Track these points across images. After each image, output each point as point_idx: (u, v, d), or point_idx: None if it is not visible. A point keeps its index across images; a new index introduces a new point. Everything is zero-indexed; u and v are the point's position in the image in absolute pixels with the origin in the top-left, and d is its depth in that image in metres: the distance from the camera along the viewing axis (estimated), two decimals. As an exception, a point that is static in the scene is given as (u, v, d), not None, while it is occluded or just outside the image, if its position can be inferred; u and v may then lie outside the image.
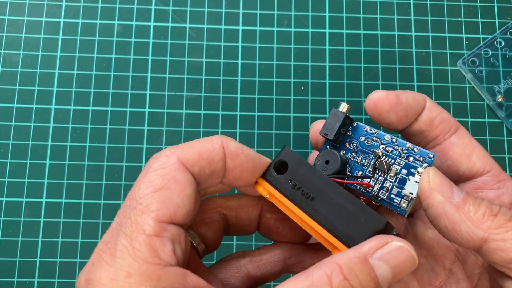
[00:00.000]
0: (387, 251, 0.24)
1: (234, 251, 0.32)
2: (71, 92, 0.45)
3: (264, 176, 0.28)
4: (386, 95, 0.29)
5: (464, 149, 0.30)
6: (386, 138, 0.30)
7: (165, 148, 0.26)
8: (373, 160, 0.30)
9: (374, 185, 0.30)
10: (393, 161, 0.30)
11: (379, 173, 0.30)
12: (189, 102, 0.45)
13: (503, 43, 0.47)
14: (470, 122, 0.46)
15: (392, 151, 0.30)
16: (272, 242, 0.32)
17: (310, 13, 0.48)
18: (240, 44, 0.47)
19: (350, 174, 0.30)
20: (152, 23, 0.47)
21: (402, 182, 0.29)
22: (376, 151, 0.30)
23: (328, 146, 0.31)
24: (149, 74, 0.46)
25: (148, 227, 0.23)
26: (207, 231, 0.29)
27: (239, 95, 0.46)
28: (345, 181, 0.30)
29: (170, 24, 0.47)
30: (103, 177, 0.43)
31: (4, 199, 0.43)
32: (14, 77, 0.45)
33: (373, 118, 0.30)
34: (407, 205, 0.29)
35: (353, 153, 0.30)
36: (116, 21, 0.47)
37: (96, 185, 0.43)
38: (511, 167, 0.46)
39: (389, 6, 0.48)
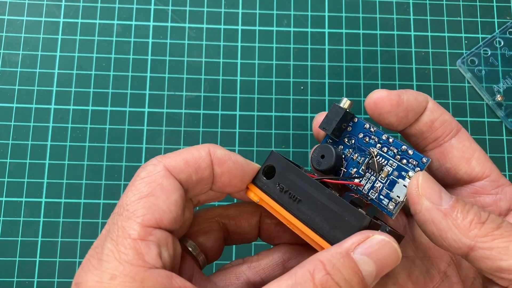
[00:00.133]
0: (369, 245, 0.24)
1: (234, 259, 0.32)
2: (71, 92, 0.45)
3: (254, 181, 0.29)
4: (387, 95, 0.29)
5: (464, 153, 0.29)
6: (383, 137, 0.30)
7: (154, 157, 0.27)
8: (367, 158, 0.30)
9: (365, 184, 0.29)
10: (386, 162, 0.29)
11: (371, 173, 0.30)
12: (189, 102, 0.45)
13: (502, 43, 0.47)
14: (470, 121, 0.46)
15: (387, 151, 0.29)
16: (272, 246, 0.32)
17: (309, 13, 0.48)
18: (239, 44, 0.47)
19: (345, 170, 0.30)
20: (151, 23, 0.47)
21: (392, 184, 0.29)
22: (371, 150, 0.30)
23: (328, 140, 0.31)
24: (148, 74, 0.46)
25: (133, 232, 0.23)
26: (206, 241, 0.30)
27: (238, 95, 0.46)
28: (334, 181, 0.29)
29: (169, 24, 0.47)
30: (102, 177, 0.43)
31: (4, 199, 0.43)
32: (14, 77, 0.45)
33: (373, 118, 0.30)
34: (394, 208, 0.28)
35: (350, 149, 0.30)
36: (116, 21, 0.47)
37: (96, 185, 0.43)
38: (510, 166, 0.46)
39: (389, 6, 0.48)
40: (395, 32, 0.48)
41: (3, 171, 0.43)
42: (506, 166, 0.45)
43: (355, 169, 0.30)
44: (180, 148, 0.44)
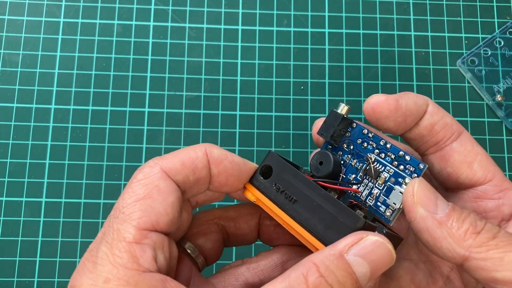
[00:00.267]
0: (363, 246, 0.24)
1: (234, 260, 0.32)
2: (71, 92, 0.45)
3: (251, 181, 0.29)
4: (385, 100, 0.28)
5: (466, 157, 0.29)
6: (381, 143, 0.29)
7: (151, 159, 0.27)
8: (365, 164, 0.30)
9: (363, 191, 0.29)
10: (383, 168, 0.29)
11: (369, 179, 0.29)
12: (189, 102, 0.45)
13: (502, 43, 0.47)
14: (470, 121, 0.46)
15: (385, 157, 0.29)
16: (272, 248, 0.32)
17: (309, 13, 0.48)
18: (239, 44, 0.47)
19: (344, 177, 0.30)
20: (151, 23, 0.47)
21: (389, 191, 0.28)
22: (369, 156, 0.29)
23: (328, 146, 0.31)
24: (148, 74, 0.46)
25: (128, 235, 0.23)
26: (205, 242, 0.30)
27: (238, 95, 0.46)
28: (332, 185, 0.29)
29: (169, 24, 0.47)
30: (102, 177, 0.43)
31: (4, 198, 0.43)
32: (14, 77, 0.45)
33: (371, 123, 0.29)
34: (391, 215, 0.28)
35: (349, 155, 0.30)
36: (116, 20, 0.47)
37: (96, 184, 0.43)
38: (510, 166, 0.46)
39: (389, 6, 0.48)
40: (395, 32, 0.48)
41: (4, 171, 0.43)
42: (506, 166, 0.45)
43: (353, 175, 0.30)
44: (180, 148, 0.44)
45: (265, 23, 0.47)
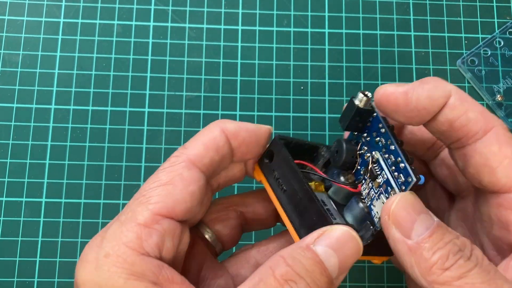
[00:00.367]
0: (328, 236, 0.24)
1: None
2: (71, 92, 0.45)
3: (259, 162, 0.29)
4: (392, 92, 0.26)
5: (488, 160, 0.25)
6: (388, 142, 0.27)
7: (178, 149, 0.28)
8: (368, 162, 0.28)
9: (365, 189, 0.28)
10: (380, 171, 0.27)
11: (370, 179, 0.28)
12: (189, 102, 0.45)
13: (502, 43, 0.48)
14: (470, 121, 0.46)
15: (387, 158, 0.27)
16: None
17: (309, 13, 0.48)
18: (239, 44, 0.47)
19: (358, 168, 0.29)
20: (151, 23, 0.47)
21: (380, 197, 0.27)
22: (373, 154, 0.28)
23: (354, 134, 0.30)
24: (148, 74, 0.46)
25: (141, 217, 0.24)
26: (222, 228, 0.31)
27: (238, 95, 0.46)
28: (330, 179, 0.29)
29: (169, 24, 0.47)
30: (102, 177, 0.43)
31: (4, 199, 0.43)
32: (14, 77, 0.45)
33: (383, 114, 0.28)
34: (377, 222, 0.26)
35: (365, 147, 0.29)
36: (116, 21, 0.47)
37: (96, 185, 0.43)
38: (511, 166, 0.46)
39: (389, 6, 0.48)
40: (395, 32, 0.48)
41: (3, 171, 0.43)
42: (506, 166, 0.45)
43: (357, 171, 0.29)
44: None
45: (265, 23, 0.47)
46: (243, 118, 0.45)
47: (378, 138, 0.28)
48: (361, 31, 0.48)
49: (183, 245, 0.26)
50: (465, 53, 0.47)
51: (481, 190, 0.28)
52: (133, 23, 0.47)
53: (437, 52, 0.47)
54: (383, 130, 0.27)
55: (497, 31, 0.48)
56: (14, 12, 0.46)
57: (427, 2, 0.49)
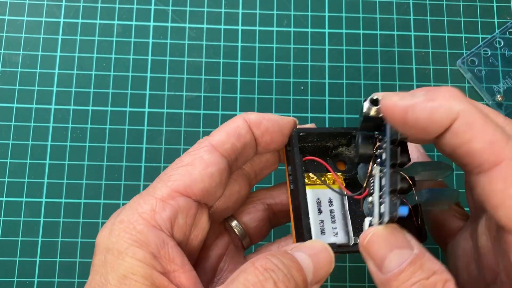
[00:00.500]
0: (304, 245, 0.26)
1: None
2: (71, 92, 0.45)
3: (285, 151, 0.30)
4: (392, 106, 0.24)
5: (490, 197, 0.23)
6: (385, 160, 0.26)
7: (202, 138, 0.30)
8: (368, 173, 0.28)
9: (365, 198, 0.28)
10: (373, 189, 0.27)
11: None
12: (189, 102, 0.45)
13: (502, 43, 0.48)
14: (470, 121, 0.46)
15: (382, 177, 0.26)
16: None
17: (309, 13, 0.48)
18: (239, 44, 0.47)
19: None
20: (151, 23, 0.47)
21: (371, 214, 0.27)
22: (374, 168, 0.27)
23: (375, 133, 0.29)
24: (148, 74, 0.46)
25: (159, 192, 0.26)
26: (249, 221, 0.32)
27: (238, 95, 0.46)
28: (328, 185, 0.29)
29: (169, 24, 0.47)
30: (102, 177, 0.43)
31: (4, 199, 0.43)
32: (14, 77, 0.45)
33: None
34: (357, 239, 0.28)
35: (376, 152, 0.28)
36: (116, 21, 0.47)
37: (96, 185, 0.43)
38: (511, 166, 0.46)
39: (389, 6, 0.48)
40: (395, 32, 0.48)
41: (3, 171, 0.43)
42: (506, 166, 0.45)
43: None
44: (180, 148, 0.44)
45: (265, 23, 0.47)
46: (243, 118, 0.45)
47: (381, 151, 0.27)
48: (361, 31, 0.48)
49: (200, 229, 0.28)
50: (465, 53, 0.47)
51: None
52: (133, 23, 0.47)
53: (437, 52, 0.47)
54: (385, 146, 0.27)
55: (497, 31, 0.48)
56: (14, 12, 0.46)
57: (427, 2, 0.49)
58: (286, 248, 0.26)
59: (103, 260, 0.25)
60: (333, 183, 0.30)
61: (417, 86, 0.47)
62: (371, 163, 0.28)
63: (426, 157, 0.34)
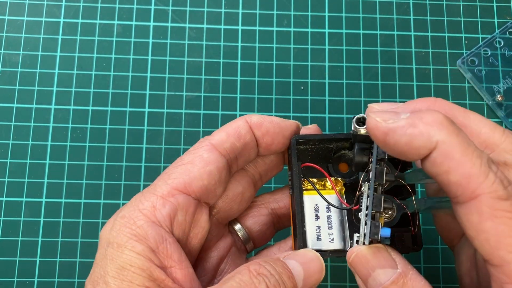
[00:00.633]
0: (294, 253, 0.28)
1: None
2: (71, 92, 0.45)
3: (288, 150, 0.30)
4: (373, 127, 0.24)
5: (466, 228, 0.22)
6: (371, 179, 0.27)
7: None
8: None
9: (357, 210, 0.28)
10: (361, 205, 0.27)
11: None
12: (189, 102, 0.45)
13: (502, 43, 0.47)
14: (470, 121, 0.46)
15: (367, 198, 0.27)
16: None
17: (309, 13, 0.48)
18: (239, 44, 0.47)
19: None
20: (151, 23, 0.47)
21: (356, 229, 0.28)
22: (363, 185, 0.27)
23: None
24: (148, 74, 0.46)
25: (160, 190, 0.27)
26: (253, 225, 0.33)
27: (238, 95, 0.46)
28: (323, 197, 0.30)
29: (169, 24, 0.47)
30: (103, 177, 0.43)
31: (4, 199, 0.43)
32: (14, 77, 0.45)
33: None
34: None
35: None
36: (116, 21, 0.47)
37: (96, 185, 0.43)
38: (511, 166, 0.46)
39: (389, 6, 0.48)
40: (395, 32, 0.48)
41: (4, 171, 0.43)
42: (506, 166, 0.45)
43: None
44: (180, 148, 0.44)
45: (265, 23, 0.47)
46: (243, 118, 0.45)
47: (370, 168, 0.27)
48: (361, 31, 0.48)
49: (200, 228, 0.28)
50: (465, 53, 0.47)
51: None
52: (133, 23, 0.47)
53: (437, 52, 0.47)
54: (370, 166, 0.27)
55: (497, 31, 0.48)
56: (14, 12, 0.46)
57: (427, 2, 0.49)
58: (279, 256, 0.27)
59: (104, 253, 0.26)
60: (336, 185, 0.31)
61: (417, 86, 0.47)
62: (360, 180, 0.28)
63: None
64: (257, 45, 0.47)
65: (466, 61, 0.47)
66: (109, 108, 0.45)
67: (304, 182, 0.30)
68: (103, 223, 0.42)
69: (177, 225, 0.27)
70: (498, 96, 0.46)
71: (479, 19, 0.48)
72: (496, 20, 0.48)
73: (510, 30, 0.48)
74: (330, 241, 0.29)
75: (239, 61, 0.46)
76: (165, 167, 0.29)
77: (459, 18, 0.48)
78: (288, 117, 0.45)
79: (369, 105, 0.27)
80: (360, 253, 0.26)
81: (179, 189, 0.27)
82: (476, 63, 0.47)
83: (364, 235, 0.26)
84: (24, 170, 0.43)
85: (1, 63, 0.45)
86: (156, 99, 0.45)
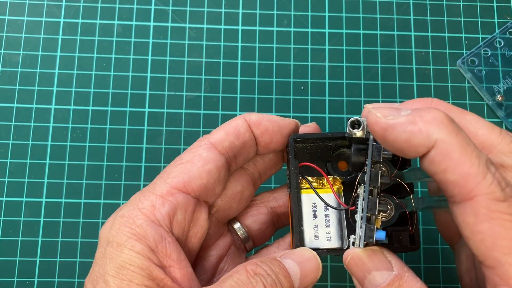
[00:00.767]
0: (292, 252, 0.28)
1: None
2: (71, 92, 0.45)
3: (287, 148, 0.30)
4: (373, 123, 0.24)
5: (462, 228, 0.22)
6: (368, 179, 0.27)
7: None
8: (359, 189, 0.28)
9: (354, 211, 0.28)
10: (357, 206, 0.27)
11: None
12: (189, 102, 0.45)
13: (502, 43, 0.47)
14: (470, 121, 0.46)
15: (364, 198, 0.27)
16: None
17: (309, 13, 0.48)
18: (239, 44, 0.47)
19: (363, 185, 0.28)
20: (151, 23, 0.47)
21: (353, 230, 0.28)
22: (359, 187, 0.27)
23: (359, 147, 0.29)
24: (148, 74, 0.46)
25: (159, 189, 0.27)
26: (252, 223, 0.33)
27: (238, 95, 0.46)
28: (321, 198, 0.30)
29: (169, 24, 0.47)
30: (103, 177, 0.43)
31: (4, 199, 0.43)
32: (14, 77, 0.45)
33: None
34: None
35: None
36: (116, 21, 0.47)
37: (96, 185, 0.43)
38: (511, 166, 0.46)
39: (389, 6, 0.48)
40: (395, 32, 0.48)
41: (4, 171, 0.43)
42: (506, 166, 0.45)
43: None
44: (180, 148, 0.44)
45: (265, 23, 0.47)
46: (243, 118, 0.45)
47: (365, 170, 0.27)
48: (361, 31, 0.48)
49: (199, 227, 0.28)
50: (465, 53, 0.47)
51: None
52: (133, 23, 0.47)
53: (437, 52, 0.47)
54: (366, 168, 0.27)
55: (497, 31, 0.48)
56: (14, 12, 0.46)
57: (427, 2, 0.49)
58: (276, 255, 0.27)
59: (103, 252, 0.26)
60: (334, 184, 0.31)
61: (417, 86, 0.47)
62: (357, 182, 0.28)
63: None
64: (257, 45, 0.47)
65: (466, 61, 0.47)
66: (109, 108, 0.45)
67: (302, 181, 0.30)
68: (103, 223, 0.42)
69: (176, 224, 0.27)
70: (498, 96, 0.46)
71: (479, 19, 0.48)
72: (496, 20, 0.48)
73: (510, 30, 0.48)
74: (327, 240, 0.29)
75: (239, 61, 0.46)
76: (165, 167, 0.29)
77: (459, 18, 0.48)
78: (288, 117, 0.45)
79: (366, 105, 0.27)
80: (356, 256, 0.26)
81: (178, 188, 0.27)
82: (476, 63, 0.47)
83: (360, 237, 0.26)
84: (24, 170, 0.43)
85: (1, 63, 0.45)
86: (156, 99, 0.45)
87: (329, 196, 0.30)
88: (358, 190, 0.27)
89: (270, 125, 0.29)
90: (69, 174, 0.43)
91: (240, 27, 0.47)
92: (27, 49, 0.46)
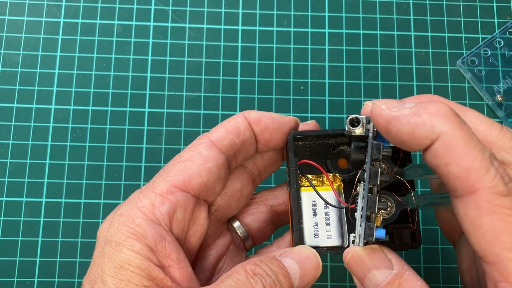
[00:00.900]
0: (292, 251, 0.28)
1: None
2: (71, 92, 0.45)
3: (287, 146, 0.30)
4: (376, 115, 0.24)
5: (462, 222, 0.22)
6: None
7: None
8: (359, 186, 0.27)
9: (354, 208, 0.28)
10: (357, 205, 0.27)
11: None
12: (189, 102, 0.45)
13: (502, 43, 0.48)
14: (470, 121, 0.46)
15: (364, 196, 0.26)
16: None
17: (309, 13, 0.48)
18: (239, 44, 0.47)
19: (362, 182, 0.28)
20: (151, 23, 0.47)
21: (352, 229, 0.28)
22: (359, 185, 0.27)
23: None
24: (148, 74, 0.46)
25: (158, 187, 0.27)
26: (252, 222, 0.32)
27: (238, 95, 0.46)
28: (320, 196, 0.30)
29: (169, 24, 0.47)
30: (103, 177, 0.43)
31: (4, 199, 0.43)
32: (14, 77, 0.45)
33: None
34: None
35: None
36: (116, 21, 0.47)
37: (96, 185, 0.43)
38: (511, 166, 0.46)
39: (389, 6, 0.48)
40: (395, 32, 0.48)
41: (4, 171, 0.43)
42: (506, 166, 0.45)
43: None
44: (180, 148, 0.44)
45: (265, 23, 0.47)
46: (243, 118, 0.45)
47: (365, 168, 0.27)
48: (361, 31, 0.48)
49: (199, 226, 0.28)
50: (465, 53, 0.47)
51: None
52: (133, 23, 0.47)
53: (437, 52, 0.47)
54: (366, 157, 0.26)
55: (497, 31, 0.48)
56: (14, 12, 0.46)
57: (427, 2, 0.49)
58: (275, 254, 0.27)
59: (101, 252, 0.25)
60: (334, 181, 0.30)
61: (417, 86, 0.47)
62: (356, 179, 0.27)
63: None
64: (257, 45, 0.47)
65: (466, 61, 0.47)
66: (109, 108, 0.45)
67: (302, 179, 0.30)
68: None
69: (176, 223, 0.27)
70: (498, 96, 0.46)
71: (479, 19, 0.48)
72: (496, 20, 0.48)
73: (510, 30, 0.48)
74: (328, 238, 0.29)
75: (239, 61, 0.46)
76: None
77: (459, 18, 0.48)
78: (288, 117, 0.45)
79: (365, 102, 0.27)
80: (356, 254, 0.26)
81: (178, 187, 0.27)
82: (476, 63, 0.47)
83: (360, 236, 0.26)
84: (24, 170, 0.43)
85: (1, 63, 0.45)
86: (156, 99, 0.45)
87: (329, 194, 0.30)
88: (358, 188, 0.27)
89: (270, 123, 0.29)
90: (69, 174, 0.43)
91: (240, 27, 0.47)
92: (27, 49, 0.46)
